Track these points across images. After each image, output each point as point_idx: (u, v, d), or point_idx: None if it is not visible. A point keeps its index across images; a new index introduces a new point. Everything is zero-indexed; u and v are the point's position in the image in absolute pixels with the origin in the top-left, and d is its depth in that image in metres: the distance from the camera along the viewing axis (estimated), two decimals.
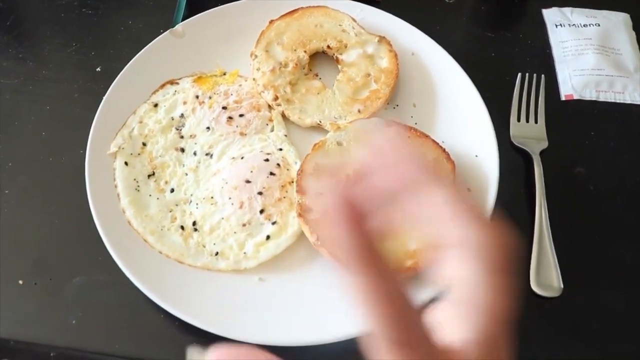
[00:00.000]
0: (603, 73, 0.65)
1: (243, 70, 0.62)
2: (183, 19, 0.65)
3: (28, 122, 0.61)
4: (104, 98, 0.58)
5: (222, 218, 0.52)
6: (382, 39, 0.63)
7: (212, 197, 0.53)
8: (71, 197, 0.54)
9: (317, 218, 0.50)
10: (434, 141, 0.55)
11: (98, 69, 0.65)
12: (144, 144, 0.57)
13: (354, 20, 0.64)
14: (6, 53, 0.66)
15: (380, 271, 0.21)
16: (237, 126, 0.58)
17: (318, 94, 0.60)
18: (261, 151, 0.56)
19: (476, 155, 0.56)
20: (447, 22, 0.71)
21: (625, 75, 0.65)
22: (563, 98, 0.65)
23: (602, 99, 0.64)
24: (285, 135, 0.58)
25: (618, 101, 0.64)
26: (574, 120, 0.63)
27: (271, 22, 0.64)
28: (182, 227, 0.52)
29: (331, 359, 0.47)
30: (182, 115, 0.59)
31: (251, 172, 0.54)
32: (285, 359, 0.48)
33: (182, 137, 0.58)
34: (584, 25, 0.70)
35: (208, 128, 0.58)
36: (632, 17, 0.70)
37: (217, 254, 0.51)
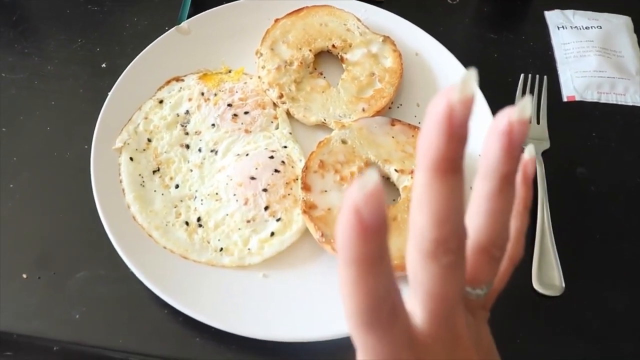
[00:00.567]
0: (605, 75, 0.66)
1: (248, 68, 0.63)
2: (188, 17, 0.65)
3: (33, 117, 0.61)
4: (110, 94, 0.58)
5: (227, 214, 0.53)
6: (386, 39, 0.63)
7: (216, 194, 0.54)
8: (76, 192, 0.55)
9: (321, 215, 0.50)
10: None
11: (103, 65, 0.65)
12: (149, 140, 0.57)
13: (358, 19, 0.64)
14: (12, 48, 0.66)
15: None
16: (242, 123, 0.58)
17: (323, 92, 0.60)
18: (266, 148, 0.56)
19: (479, 155, 0.56)
20: (450, 23, 0.71)
21: (626, 77, 0.66)
22: (565, 99, 0.65)
23: (603, 100, 0.65)
24: (290, 133, 0.58)
25: (619, 103, 0.65)
26: (575, 121, 0.63)
27: (276, 20, 0.64)
28: (187, 223, 0.52)
29: (334, 355, 0.47)
30: (187, 112, 0.59)
31: (256, 169, 0.54)
32: (289, 355, 0.48)
33: (187, 133, 0.58)
34: (585, 28, 0.70)
35: (213, 125, 0.58)
36: (633, 20, 0.71)
37: (221, 249, 0.51)
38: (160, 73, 0.61)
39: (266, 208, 0.52)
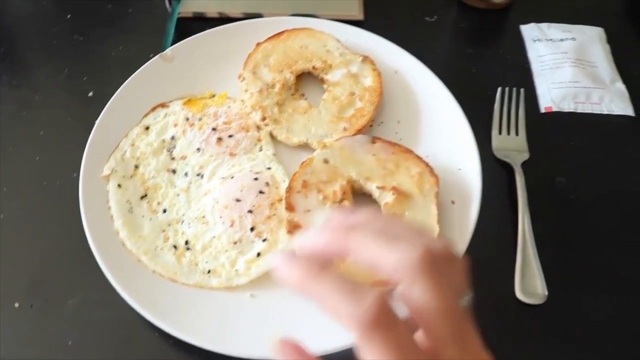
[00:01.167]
0: (580, 85, 0.68)
1: (232, 92, 0.64)
2: (172, 44, 0.67)
3: (22, 147, 0.62)
4: (97, 122, 0.59)
5: (214, 237, 0.54)
6: (365, 59, 0.65)
7: (203, 217, 0.55)
8: (65, 220, 0.56)
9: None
10: (417, 156, 0.56)
11: (90, 94, 0.67)
12: (137, 166, 0.58)
13: (337, 40, 0.66)
14: (0, 80, 0.68)
15: None
16: (226, 147, 0.59)
17: (304, 113, 0.62)
18: (250, 170, 0.57)
19: (459, 169, 0.58)
20: (429, 40, 0.73)
21: (601, 87, 0.68)
22: (542, 110, 0.67)
23: (580, 110, 0.66)
24: (274, 155, 0.59)
25: (595, 112, 0.66)
26: (553, 131, 0.65)
27: (258, 44, 0.66)
28: (175, 247, 0.54)
29: None
30: (173, 137, 0.60)
31: (241, 191, 0.55)
32: None
33: (173, 158, 0.59)
34: (560, 40, 0.72)
35: (198, 149, 0.59)
36: (605, 31, 0.73)
37: (209, 272, 0.52)
38: (146, 100, 0.63)
39: (252, 229, 0.53)
